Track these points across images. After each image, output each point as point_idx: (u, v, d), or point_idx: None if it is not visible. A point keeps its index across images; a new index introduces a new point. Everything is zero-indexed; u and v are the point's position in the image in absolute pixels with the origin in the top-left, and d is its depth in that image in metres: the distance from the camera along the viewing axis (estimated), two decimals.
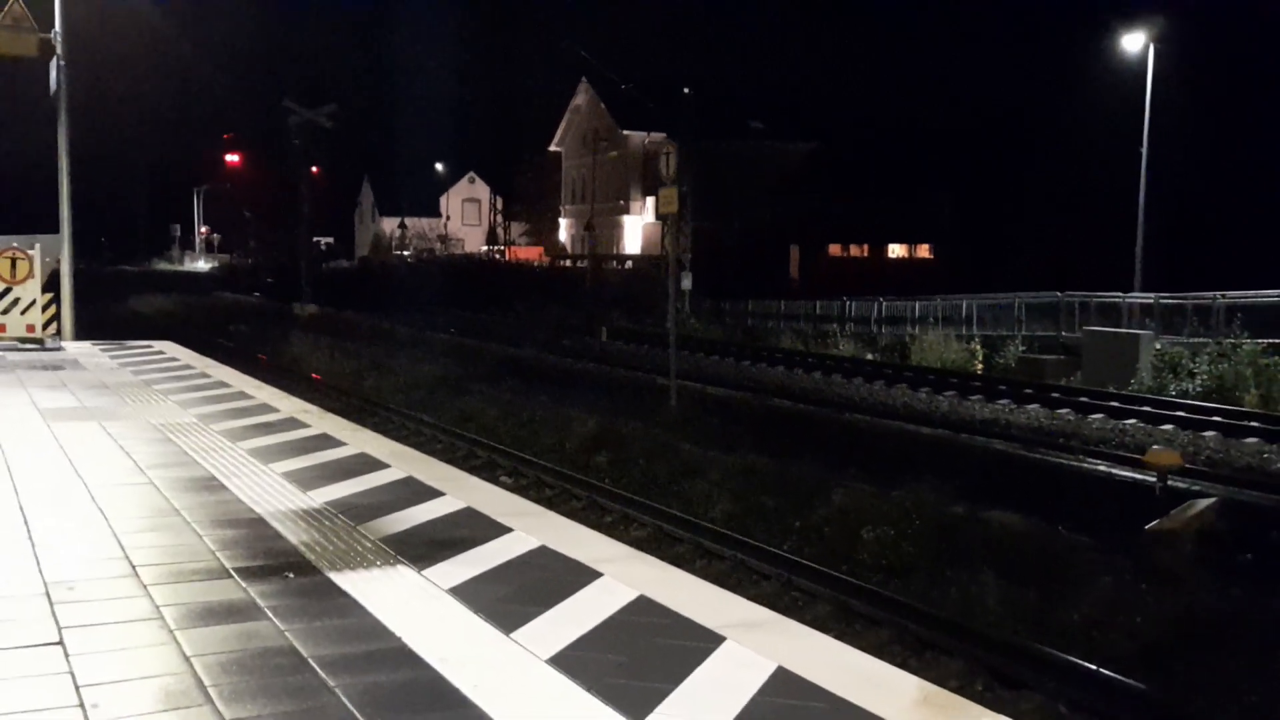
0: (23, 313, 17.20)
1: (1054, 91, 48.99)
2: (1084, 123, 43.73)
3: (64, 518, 6.96)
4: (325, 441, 9.91)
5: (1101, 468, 15.94)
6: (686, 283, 37.21)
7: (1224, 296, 25.89)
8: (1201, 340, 25.13)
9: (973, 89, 56.12)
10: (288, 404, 12.45)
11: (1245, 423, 19.08)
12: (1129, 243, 33.62)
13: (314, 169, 48.43)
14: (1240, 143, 43.81)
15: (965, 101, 53.93)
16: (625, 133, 71.52)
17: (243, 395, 12.97)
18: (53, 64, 19.93)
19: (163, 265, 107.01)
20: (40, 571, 5.83)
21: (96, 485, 7.86)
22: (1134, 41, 34.25)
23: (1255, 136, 43.54)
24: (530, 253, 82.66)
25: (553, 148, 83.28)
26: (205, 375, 14.92)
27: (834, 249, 57.02)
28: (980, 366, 28.75)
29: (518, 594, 5.66)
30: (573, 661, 4.76)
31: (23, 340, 17.25)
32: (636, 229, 73.21)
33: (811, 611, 10.01)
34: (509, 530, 6.90)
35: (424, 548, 6.47)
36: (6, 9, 18.77)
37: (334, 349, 29.40)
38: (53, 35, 19.66)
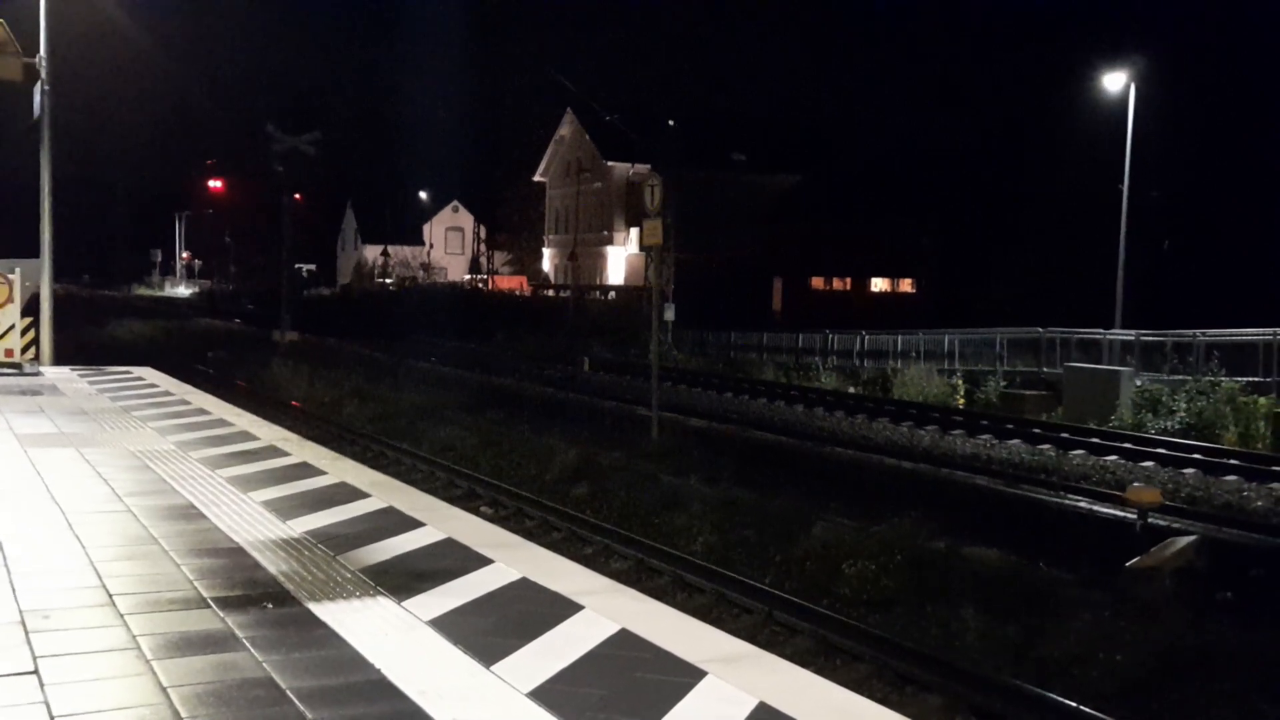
0: (1, 337, 17.10)
1: (1036, 129, 49.34)
2: (1065, 160, 44.02)
3: (40, 545, 6.89)
4: (305, 470, 9.86)
5: (1082, 504, 15.97)
6: (669, 314, 37.18)
7: (1203, 334, 26.05)
8: (1181, 378, 25.26)
9: (955, 125, 56.51)
10: (267, 431, 12.38)
11: (1225, 460, 19.17)
12: (1110, 279, 33.80)
13: (296, 195, 48.37)
14: (1220, 182, 44.14)
15: (947, 137, 54.17)
16: (609, 163, 71.78)
17: (222, 422, 12.90)
18: (37, 89, 19.90)
19: (143, 290, 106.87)
20: (16, 599, 5.76)
21: (73, 512, 7.80)
22: (1115, 81, 34.57)
23: (1235, 176, 43.89)
24: (513, 282, 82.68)
25: (537, 177, 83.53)
26: (185, 402, 14.85)
27: (817, 282, 57.16)
28: (962, 401, 28.82)
29: (498, 626, 5.63)
30: (553, 695, 4.72)
31: (1, 365, 17.13)
32: (620, 259, 73.39)
33: (792, 646, 9.99)
34: (490, 562, 6.86)
35: (404, 579, 6.42)
36: None
37: (314, 376, 29.31)
38: (37, 60, 19.63)
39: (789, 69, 77.33)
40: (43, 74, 19.72)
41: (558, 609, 5.95)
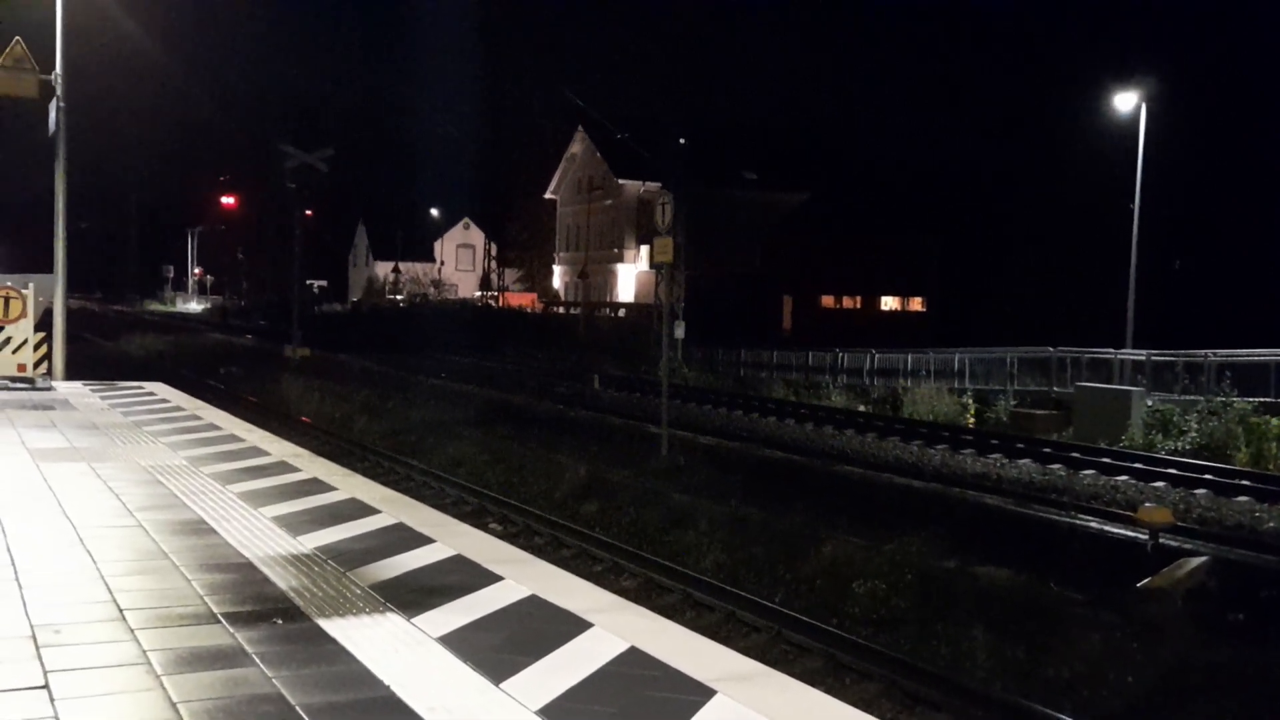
0: (14, 352, 17.15)
1: (1047, 148, 49.35)
2: (1077, 179, 44.00)
3: (51, 559, 6.91)
4: (316, 486, 9.88)
5: (1093, 524, 15.92)
6: (679, 331, 37.24)
7: (1214, 354, 25.97)
8: (1192, 398, 25.18)
9: (962, 139, 56.58)
10: (278, 447, 12.41)
11: (1236, 481, 19.10)
12: (1119, 296, 33.75)
13: (308, 212, 48.52)
14: (1231, 200, 44.09)
15: (955, 152, 54.18)
16: (620, 181, 71.85)
17: (233, 438, 12.93)
18: (52, 105, 20.01)
19: (155, 306, 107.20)
20: (27, 614, 5.78)
21: (85, 527, 7.82)
22: (1126, 101, 34.55)
23: (1246, 194, 43.84)
24: (524, 299, 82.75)
25: (548, 195, 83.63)
26: (196, 417, 14.88)
27: (827, 300, 57.13)
28: (972, 420, 28.77)
29: (507, 643, 5.63)
30: (562, 713, 4.73)
31: (13, 379, 17.19)
32: (630, 277, 73.41)
33: (802, 664, 9.96)
34: (499, 578, 6.87)
35: (413, 595, 6.43)
36: (7, 50, 18.85)
37: (325, 392, 29.35)
38: (53, 77, 19.74)
39: (791, 69, 77.25)
40: (58, 91, 19.83)
41: (567, 626, 5.95)
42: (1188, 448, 22.79)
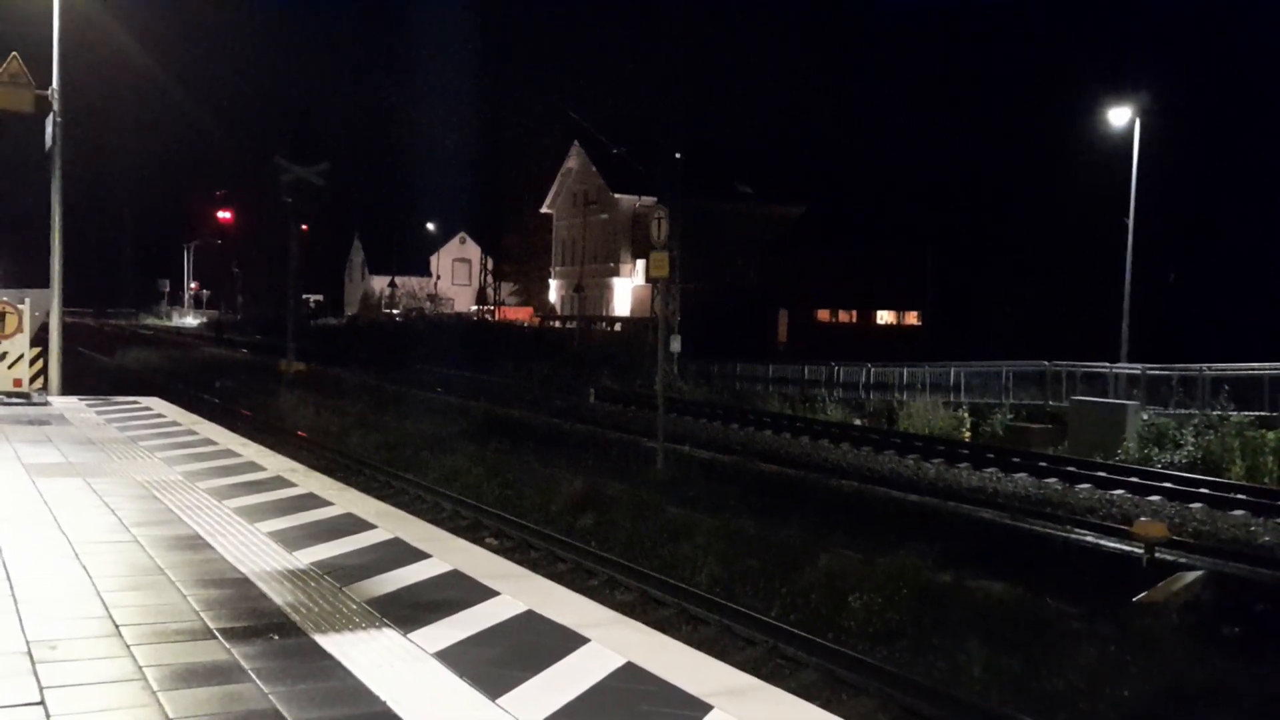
0: (10, 367, 17.13)
1: (1044, 160, 49.39)
2: (1074, 191, 44.05)
3: (47, 575, 6.90)
4: (311, 500, 9.87)
5: (1089, 538, 15.93)
6: (675, 345, 37.25)
7: (1210, 368, 26.01)
8: (1187, 412, 25.21)
9: (963, 153, 56.57)
10: (274, 462, 12.40)
11: (1232, 495, 19.12)
12: (1114, 310, 33.78)
13: (304, 226, 48.46)
14: (1226, 213, 44.14)
15: (954, 167, 54.21)
16: (616, 195, 71.99)
17: (229, 453, 12.92)
18: (49, 120, 20.03)
19: (151, 320, 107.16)
20: (22, 629, 5.78)
21: (80, 542, 7.81)
22: (1120, 115, 34.64)
23: (1242, 208, 43.89)
24: (520, 313, 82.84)
25: (544, 209, 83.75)
26: (192, 432, 14.87)
27: (822, 314, 57.16)
28: (968, 434, 28.78)
29: (504, 658, 5.63)
30: None
31: (9, 394, 17.17)
32: (626, 291, 73.48)
33: (797, 679, 9.96)
34: (495, 593, 6.87)
35: (410, 610, 6.43)
36: (4, 65, 18.89)
37: (320, 406, 29.34)
38: (50, 92, 19.78)
39: (789, 73, 77.23)
40: (55, 106, 19.86)
41: (563, 641, 5.95)
42: (1183, 461, 22.81)
